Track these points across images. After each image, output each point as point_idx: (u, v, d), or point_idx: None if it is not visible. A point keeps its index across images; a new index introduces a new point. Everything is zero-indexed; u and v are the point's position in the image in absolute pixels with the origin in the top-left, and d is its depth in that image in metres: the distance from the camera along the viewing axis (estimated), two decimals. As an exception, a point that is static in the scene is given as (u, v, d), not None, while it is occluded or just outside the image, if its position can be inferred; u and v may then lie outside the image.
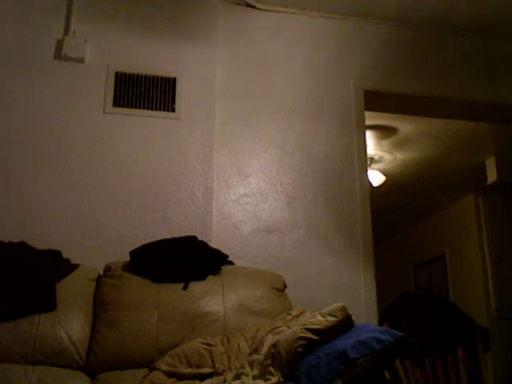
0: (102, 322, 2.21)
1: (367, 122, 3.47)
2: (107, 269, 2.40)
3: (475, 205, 6.24)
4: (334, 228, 3.09)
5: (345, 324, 1.78)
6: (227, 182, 3.05)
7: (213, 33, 3.22)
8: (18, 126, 2.81)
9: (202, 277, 2.38)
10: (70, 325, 2.14)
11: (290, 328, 1.95)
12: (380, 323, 2.58)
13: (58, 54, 2.96)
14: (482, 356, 2.47)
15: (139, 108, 2.97)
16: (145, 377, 1.99)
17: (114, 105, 2.94)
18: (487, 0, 3.36)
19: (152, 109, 2.98)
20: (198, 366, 2.00)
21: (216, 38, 3.22)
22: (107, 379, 2.08)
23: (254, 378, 1.74)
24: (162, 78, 3.04)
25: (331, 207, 3.12)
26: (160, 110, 2.99)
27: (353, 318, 1.82)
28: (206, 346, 2.07)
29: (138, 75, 3.02)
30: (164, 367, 2.01)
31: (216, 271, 2.44)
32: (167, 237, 2.60)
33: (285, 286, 2.52)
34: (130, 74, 3.01)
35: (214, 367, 1.98)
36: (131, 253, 2.44)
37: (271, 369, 1.70)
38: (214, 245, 2.74)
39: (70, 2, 3.04)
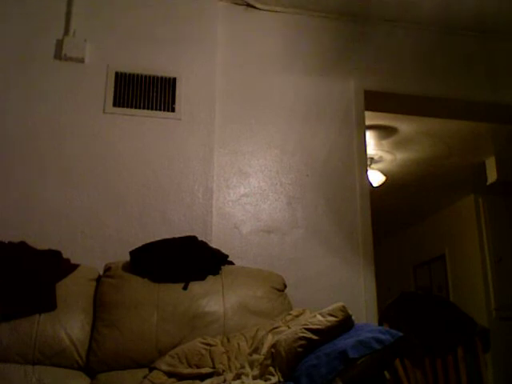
0: (102, 322, 2.21)
1: (367, 122, 3.47)
2: (107, 269, 2.40)
3: (475, 205, 6.24)
4: (334, 228, 3.09)
5: (345, 324, 1.78)
6: (227, 182, 3.05)
7: (213, 33, 3.22)
8: (18, 126, 2.81)
9: (202, 277, 2.38)
10: (70, 325, 2.14)
11: (290, 328, 1.95)
12: (380, 323, 2.58)
13: (58, 54, 2.96)
14: (482, 356, 2.47)
15: (139, 108, 2.97)
16: (145, 377, 1.99)
17: (114, 105, 2.94)
18: (487, 0, 3.36)
19: (152, 109, 2.98)
20: (198, 366, 2.00)
21: (216, 38, 3.22)
22: (107, 379, 2.08)
23: (254, 378, 1.74)
24: (162, 78, 3.04)
25: (331, 207, 3.12)
26: (160, 110, 2.99)
27: (353, 318, 1.82)
28: (206, 346, 2.07)
29: (138, 75, 3.02)
30: (164, 367, 2.01)
31: (216, 271, 2.44)
32: (167, 237, 2.60)
33: (285, 286, 2.52)
34: (130, 74, 3.01)
35: (214, 367, 1.98)
36: (131, 253, 2.44)
37: (271, 369, 1.70)
38: (214, 245, 2.74)
39: (70, 2, 3.04)
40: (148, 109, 2.98)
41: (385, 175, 5.53)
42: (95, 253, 2.67)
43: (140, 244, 2.51)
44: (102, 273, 2.41)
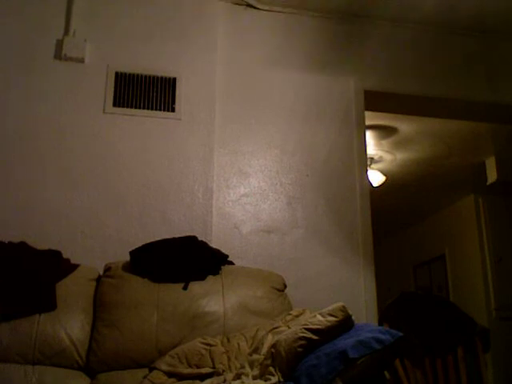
0: (102, 322, 2.21)
1: (367, 122, 3.47)
2: (107, 269, 2.40)
3: (475, 205, 6.24)
4: (334, 228, 3.09)
5: (345, 324, 1.78)
6: (227, 182, 3.04)
7: (213, 33, 3.22)
8: (18, 126, 2.81)
9: (202, 277, 2.38)
10: (69, 325, 2.14)
11: (290, 328, 1.95)
12: (380, 323, 2.58)
13: (58, 54, 2.96)
14: (482, 356, 2.46)
15: (139, 108, 2.97)
16: (145, 377, 1.99)
17: (114, 105, 2.94)
18: (487, 0, 3.36)
19: (152, 109, 2.98)
20: (198, 366, 2.00)
21: (216, 38, 3.22)
22: (107, 379, 2.08)
23: (254, 378, 1.74)
24: (162, 77, 3.04)
25: (331, 207, 3.12)
26: (160, 110, 2.99)
27: (353, 318, 1.82)
28: (206, 346, 2.07)
29: (138, 75, 3.02)
30: (164, 367, 2.01)
31: (216, 271, 2.44)
32: (167, 237, 2.60)
33: (285, 286, 2.52)
34: (130, 74, 3.01)
35: (214, 367, 1.98)
36: (131, 253, 2.44)
37: (271, 369, 1.70)
38: (214, 245, 2.74)
39: (70, 1, 3.04)
40: (148, 109, 2.98)
41: (385, 175, 5.53)
42: (95, 253, 2.67)
43: (140, 244, 2.51)
44: (102, 273, 2.41)
